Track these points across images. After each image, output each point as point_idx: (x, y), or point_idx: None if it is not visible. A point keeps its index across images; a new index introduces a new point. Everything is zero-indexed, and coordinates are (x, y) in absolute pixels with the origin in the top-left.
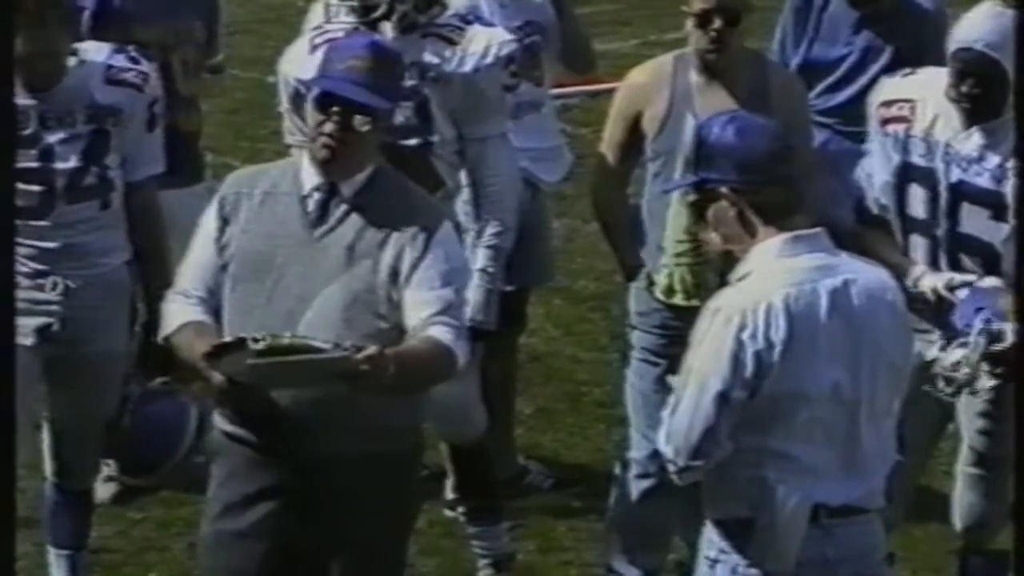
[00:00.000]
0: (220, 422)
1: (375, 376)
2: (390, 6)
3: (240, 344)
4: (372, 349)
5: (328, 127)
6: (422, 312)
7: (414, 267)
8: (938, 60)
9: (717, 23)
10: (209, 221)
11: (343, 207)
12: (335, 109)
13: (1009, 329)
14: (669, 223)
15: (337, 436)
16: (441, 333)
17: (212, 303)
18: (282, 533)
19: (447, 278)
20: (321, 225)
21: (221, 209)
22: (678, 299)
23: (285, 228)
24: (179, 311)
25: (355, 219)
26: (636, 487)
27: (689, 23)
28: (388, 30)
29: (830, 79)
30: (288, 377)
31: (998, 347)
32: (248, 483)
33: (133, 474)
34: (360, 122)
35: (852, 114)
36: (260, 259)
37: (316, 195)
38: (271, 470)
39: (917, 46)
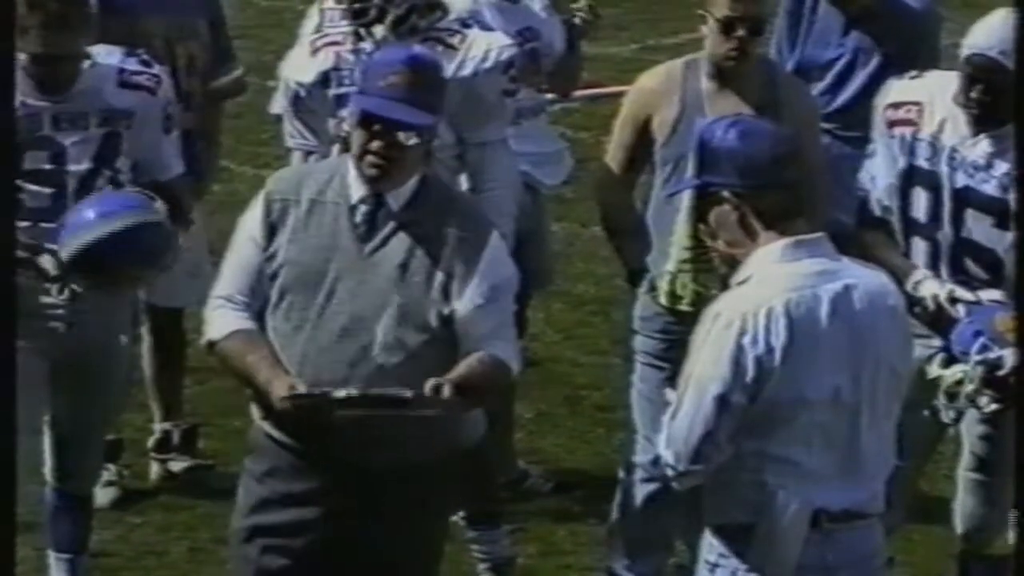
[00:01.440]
0: (263, 423)
1: (451, 411)
2: (381, 10)
3: (324, 395)
4: (448, 386)
5: (374, 145)
6: (478, 328)
7: (465, 283)
8: (929, 59)
9: (741, 32)
10: (254, 226)
11: (392, 222)
12: (377, 128)
13: (1008, 354)
14: (677, 229)
15: (381, 448)
16: (498, 348)
17: (255, 307)
18: (317, 536)
19: (498, 290)
20: (371, 240)
21: (268, 215)
22: (682, 305)
23: (335, 241)
24: (225, 317)
25: (404, 235)
26: (641, 491)
27: (707, 28)
28: (380, 34)
29: (823, 83)
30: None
31: (997, 374)
32: (289, 484)
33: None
34: (405, 138)
35: (849, 118)
36: (310, 272)
37: (363, 207)
38: (312, 475)
39: (907, 46)
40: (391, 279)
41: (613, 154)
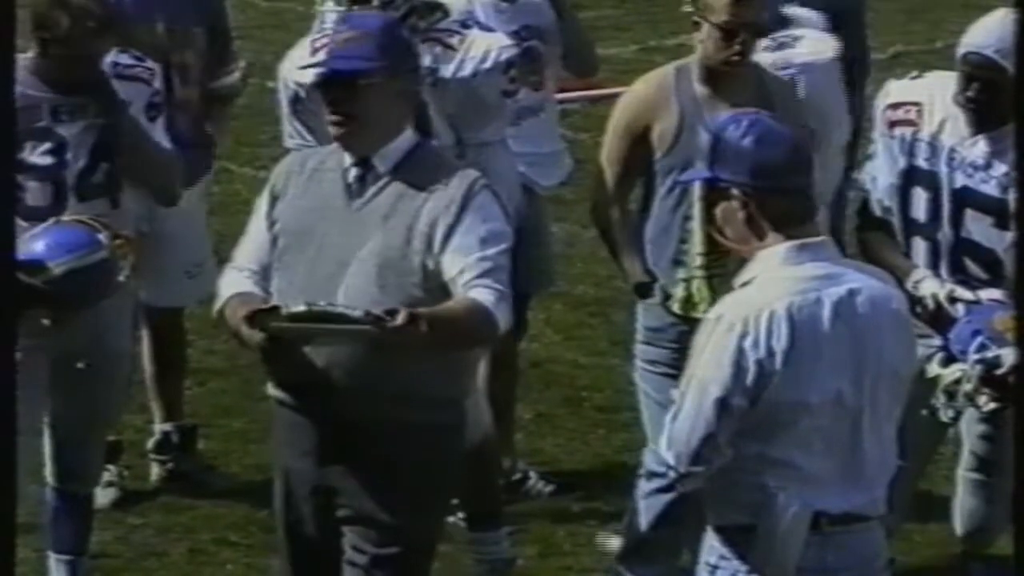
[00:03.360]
0: (270, 388)
1: (407, 337)
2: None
3: (275, 310)
4: (403, 312)
5: (329, 107)
6: (462, 277)
7: (449, 234)
8: (856, 21)
9: (743, 37)
10: (262, 200)
11: (380, 180)
12: (329, 88)
13: (1006, 353)
14: (693, 235)
15: (374, 403)
16: (480, 294)
17: (264, 276)
18: (322, 493)
19: (486, 242)
20: (359, 197)
21: (272, 188)
22: (699, 311)
23: (327, 202)
24: (230, 283)
25: (391, 190)
26: (660, 500)
27: (704, 32)
28: None
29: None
30: (319, 340)
31: (996, 373)
32: (296, 444)
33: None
34: (360, 86)
35: None
36: (303, 230)
37: (354, 170)
38: (311, 431)
39: (834, 9)
40: (375, 228)
41: (608, 166)
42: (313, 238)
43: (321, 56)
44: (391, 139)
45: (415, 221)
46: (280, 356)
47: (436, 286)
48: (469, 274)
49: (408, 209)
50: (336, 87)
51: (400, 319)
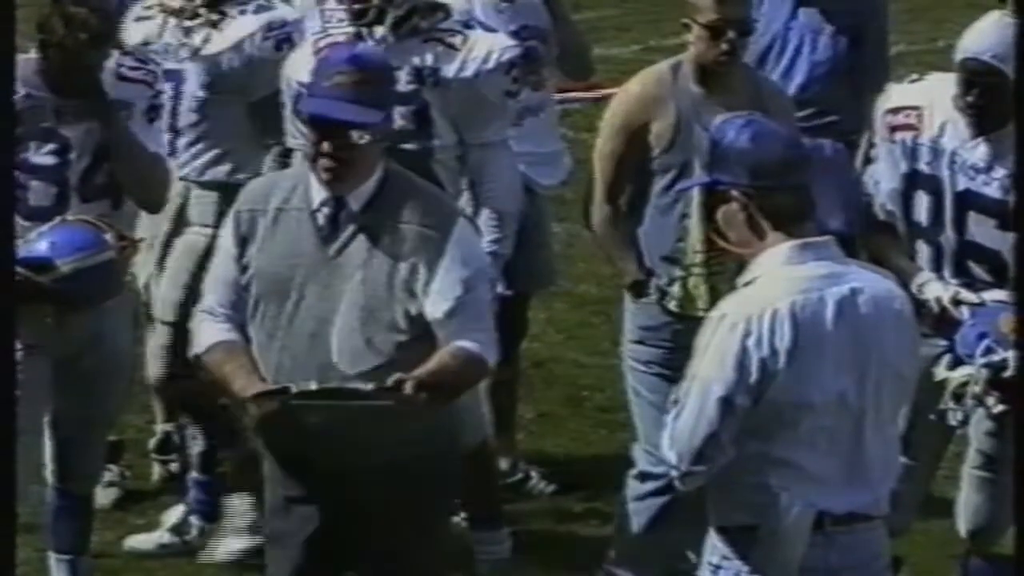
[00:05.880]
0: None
1: (416, 403)
2: (380, 11)
3: (284, 391)
4: (410, 383)
5: (325, 147)
6: (449, 324)
7: (431, 278)
8: (878, 36)
9: (731, 34)
10: (227, 239)
11: (352, 224)
12: (327, 130)
13: (1012, 355)
14: (690, 232)
15: (362, 448)
16: (467, 342)
17: (238, 319)
18: (315, 537)
19: (467, 282)
20: (333, 242)
21: (237, 227)
22: (697, 308)
23: (299, 247)
24: (208, 330)
25: (365, 233)
26: (654, 503)
27: (695, 33)
28: (380, 34)
29: (778, 69)
30: (325, 415)
31: (1003, 376)
32: (285, 488)
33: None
34: (358, 137)
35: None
36: (278, 279)
37: (325, 210)
38: (301, 478)
39: (859, 21)
40: (355, 281)
41: (603, 164)
42: (289, 289)
43: (317, 81)
44: (368, 178)
45: (394, 269)
46: (279, 427)
47: (418, 329)
48: (455, 320)
49: (385, 255)
50: (332, 131)
51: (408, 388)
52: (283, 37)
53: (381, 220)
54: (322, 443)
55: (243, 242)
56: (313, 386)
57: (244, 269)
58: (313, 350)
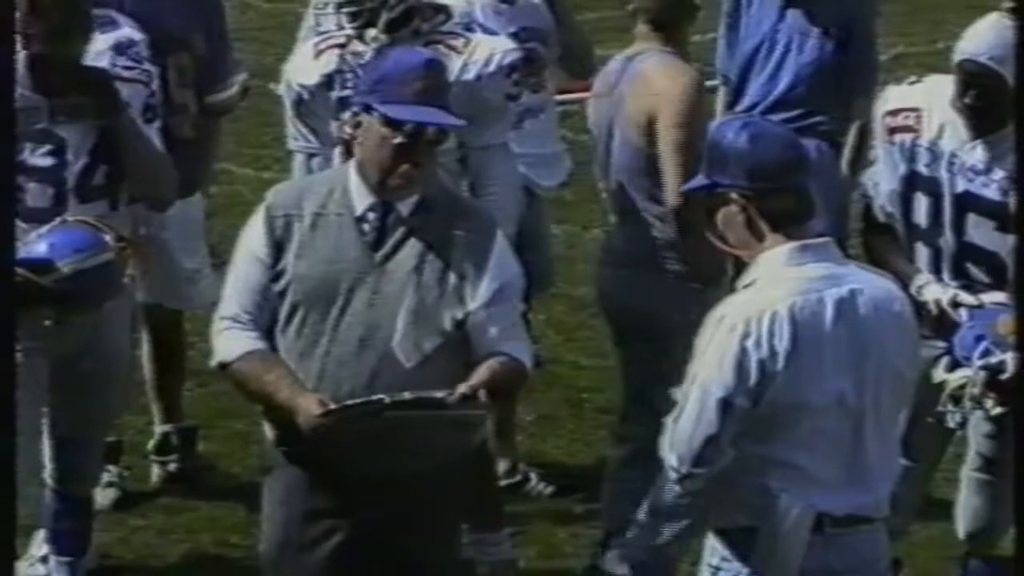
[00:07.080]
0: (275, 440)
1: (481, 409)
2: (373, 12)
3: (351, 405)
4: (481, 391)
5: (408, 154)
6: (492, 331)
7: (477, 285)
8: (865, 37)
9: None
10: (258, 243)
11: (401, 228)
12: (410, 137)
13: (1010, 357)
14: None
15: (395, 457)
16: (513, 349)
17: (263, 326)
18: (341, 551)
19: (507, 290)
20: (381, 248)
21: (272, 231)
22: None
23: (343, 252)
24: (236, 338)
25: (415, 240)
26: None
27: None
28: (371, 36)
29: (766, 70)
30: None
31: (1000, 378)
32: (308, 500)
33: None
34: (442, 142)
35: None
36: (321, 286)
37: (371, 215)
38: (329, 489)
39: (844, 23)
40: (406, 286)
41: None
42: (335, 296)
43: (391, 86)
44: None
45: (445, 274)
46: (335, 438)
47: (458, 336)
48: (499, 327)
49: (436, 261)
50: (419, 139)
51: (482, 396)
52: None
53: (428, 226)
54: (372, 451)
55: (277, 247)
56: (398, 397)
57: (277, 276)
58: (362, 354)
